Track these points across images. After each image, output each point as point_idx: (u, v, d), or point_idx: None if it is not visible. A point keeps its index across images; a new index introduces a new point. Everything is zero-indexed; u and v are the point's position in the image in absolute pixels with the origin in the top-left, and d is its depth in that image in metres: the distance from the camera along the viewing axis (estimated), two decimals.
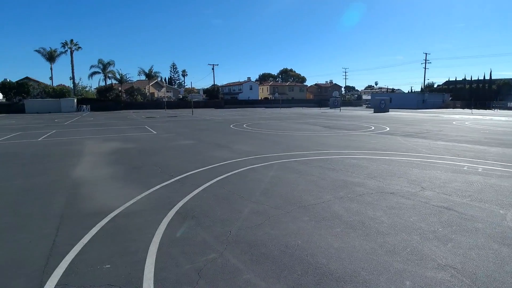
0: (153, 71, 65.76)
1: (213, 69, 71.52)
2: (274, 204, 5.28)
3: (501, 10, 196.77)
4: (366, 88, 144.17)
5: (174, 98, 74.59)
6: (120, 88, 61.70)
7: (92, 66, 61.37)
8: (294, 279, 3.11)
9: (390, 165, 8.27)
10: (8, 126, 23.18)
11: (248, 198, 5.63)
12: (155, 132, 17.73)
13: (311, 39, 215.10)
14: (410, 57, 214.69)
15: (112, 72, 62.22)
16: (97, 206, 5.34)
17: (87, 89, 66.66)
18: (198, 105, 61.12)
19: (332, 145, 11.99)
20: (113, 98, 58.19)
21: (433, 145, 11.90)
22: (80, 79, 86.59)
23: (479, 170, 7.68)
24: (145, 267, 3.36)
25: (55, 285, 3.04)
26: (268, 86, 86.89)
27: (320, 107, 69.65)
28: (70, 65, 59.60)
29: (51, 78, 59.43)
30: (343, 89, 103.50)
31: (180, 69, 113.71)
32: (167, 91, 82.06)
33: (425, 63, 71.38)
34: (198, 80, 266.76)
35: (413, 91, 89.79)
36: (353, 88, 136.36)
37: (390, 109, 47.15)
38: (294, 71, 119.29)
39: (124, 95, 61.29)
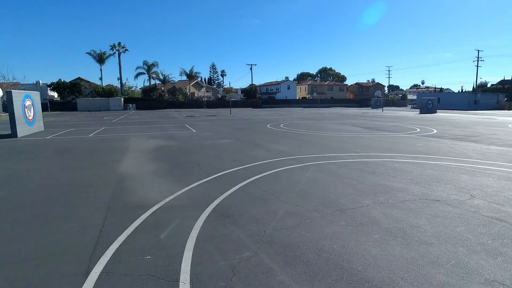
0: (194, 71, 68.26)
1: (251, 69, 72.16)
2: (310, 206, 5.21)
3: None
4: (411, 88, 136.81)
5: (213, 98, 76.50)
6: (163, 88, 64.69)
7: (137, 67, 65.16)
8: (329, 284, 3.04)
9: (436, 171, 7.77)
10: (63, 123, 25.39)
11: (284, 199, 5.61)
12: (195, 131, 18.33)
13: (352, 36, 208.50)
14: (461, 54, 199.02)
15: (156, 72, 65.52)
16: (141, 199, 5.66)
17: (132, 88, 70.79)
18: (235, 104, 62.13)
19: (373, 148, 11.53)
20: (157, 98, 61.26)
21: (485, 150, 10.95)
22: (126, 79, 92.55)
23: None
24: (183, 260, 3.49)
25: (101, 272, 3.28)
26: (306, 86, 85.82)
27: (361, 107, 67.32)
28: (118, 66, 63.95)
29: (100, 78, 64.20)
30: (386, 88, 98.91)
31: (219, 69, 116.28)
32: (207, 91, 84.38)
33: (477, 60, 65.82)
34: (237, 80, 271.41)
35: (463, 91, 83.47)
36: (397, 87, 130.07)
37: (438, 110, 44.26)
38: (334, 70, 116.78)
39: (167, 95, 64.15)
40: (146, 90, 63.23)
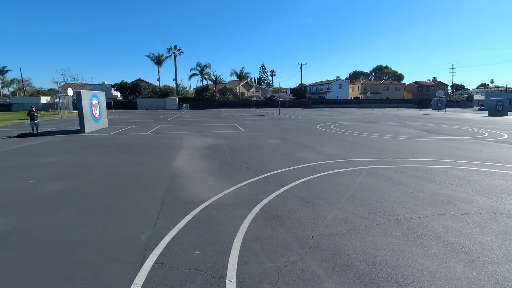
0: (244, 72, 69.58)
1: (301, 68, 71.40)
2: (361, 213, 4.97)
3: None
4: (478, 87, 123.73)
5: (262, 98, 77.17)
6: (214, 88, 67.04)
7: (191, 69, 68.45)
8: None
9: (507, 181, 6.90)
10: (125, 120, 27.66)
11: (333, 203, 5.43)
12: (244, 130, 18.66)
13: (410, 31, 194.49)
14: None
15: (208, 73, 68.12)
16: (192, 195, 5.91)
17: (186, 89, 74.46)
18: (284, 104, 61.92)
19: (433, 153, 10.63)
20: (208, 98, 63.71)
21: None
22: (181, 80, 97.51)
23: None
24: (229, 258, 3.56)
25: (154, 262, 3.48)
26: (359, 85, 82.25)
27: (420, 108, 62.71)
28: (174, 67, 67.68)
29: (158, 79, 68.55)
30: (449, 87, 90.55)
31: (268, 69, 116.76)
32: (256, 91, 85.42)
33: None
34: (286, 80, 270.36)
35: None
36: (462, 86, 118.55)
37: (509, 113, 39.38)
38: (390, 68, 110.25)
39: (218, 95, 66.32)
40: (199, 90, 66.11)
